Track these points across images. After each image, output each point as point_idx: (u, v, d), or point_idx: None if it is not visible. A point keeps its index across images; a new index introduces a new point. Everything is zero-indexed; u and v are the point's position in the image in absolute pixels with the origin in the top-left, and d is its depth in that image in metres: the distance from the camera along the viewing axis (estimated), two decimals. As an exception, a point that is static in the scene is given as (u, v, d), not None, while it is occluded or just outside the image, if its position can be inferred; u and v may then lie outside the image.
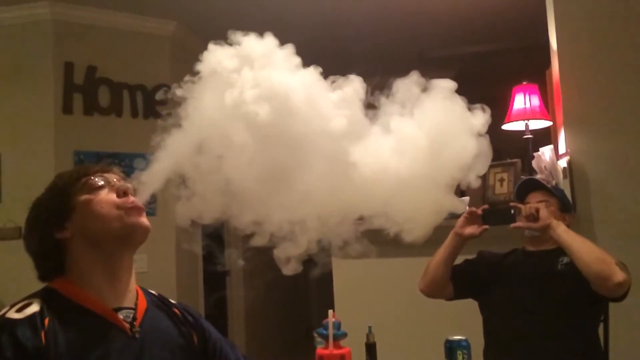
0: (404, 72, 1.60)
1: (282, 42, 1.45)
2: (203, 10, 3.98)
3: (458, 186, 1.69)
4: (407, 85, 1.58)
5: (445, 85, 1.62)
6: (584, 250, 2.03)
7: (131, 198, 1.23)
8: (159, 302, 1.32)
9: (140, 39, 4.12)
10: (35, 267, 1.24)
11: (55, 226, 1.21)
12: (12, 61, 3.85)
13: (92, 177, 1.24)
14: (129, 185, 1.25)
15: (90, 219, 1.20)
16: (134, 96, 4.05)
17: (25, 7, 3.78)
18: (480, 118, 1.62)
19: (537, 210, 2.14)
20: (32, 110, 3.81)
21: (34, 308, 1.12)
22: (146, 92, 4.05)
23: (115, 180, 1.26)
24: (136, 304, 1.24)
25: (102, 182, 1.24)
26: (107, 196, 1.22)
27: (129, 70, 4.06)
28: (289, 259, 1.40)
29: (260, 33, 1.44)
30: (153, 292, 1.35)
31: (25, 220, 1.25)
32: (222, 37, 1.42)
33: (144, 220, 1.23)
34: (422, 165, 1.52)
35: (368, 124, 1.52)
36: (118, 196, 1.23)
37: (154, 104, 3.98)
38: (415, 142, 1.55)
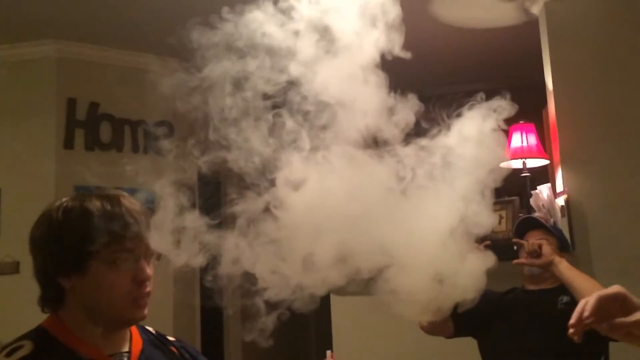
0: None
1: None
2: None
3: None
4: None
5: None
6: (586, 287, 2.02)
7: (145, 289, 1.16)
8: (156, 341, 1.29)
9: (142, 75, 4.15)
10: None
11: (60, 270, 1.13)
12: (16, 97, 3.89)
13: (122, 250, 1.13)
14: (149, 273, 1.17)
15: (97, 292, 1.13)
16: (135, 132, 4.08)
17: (30, 45, 3.84)
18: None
19: (540, 247, 2.14)
20: (33, 145, 3.83)
21: (25, 351, 1.08)
22: (147, 128, 4.08)
23: (139, 259, 1.16)
24: (130, 348, 1.20)
25: (127, 261, 1.14)
26: (122, 278, 1.14)
27: (131, 106, 4.09)
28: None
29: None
30: (150, 329, 1.31)
31: (33, 236, 1.16)
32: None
33: (144, 313, 1.18)
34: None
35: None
36: (133, 282, 1.15)
37: (154, 139, 4.01)
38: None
